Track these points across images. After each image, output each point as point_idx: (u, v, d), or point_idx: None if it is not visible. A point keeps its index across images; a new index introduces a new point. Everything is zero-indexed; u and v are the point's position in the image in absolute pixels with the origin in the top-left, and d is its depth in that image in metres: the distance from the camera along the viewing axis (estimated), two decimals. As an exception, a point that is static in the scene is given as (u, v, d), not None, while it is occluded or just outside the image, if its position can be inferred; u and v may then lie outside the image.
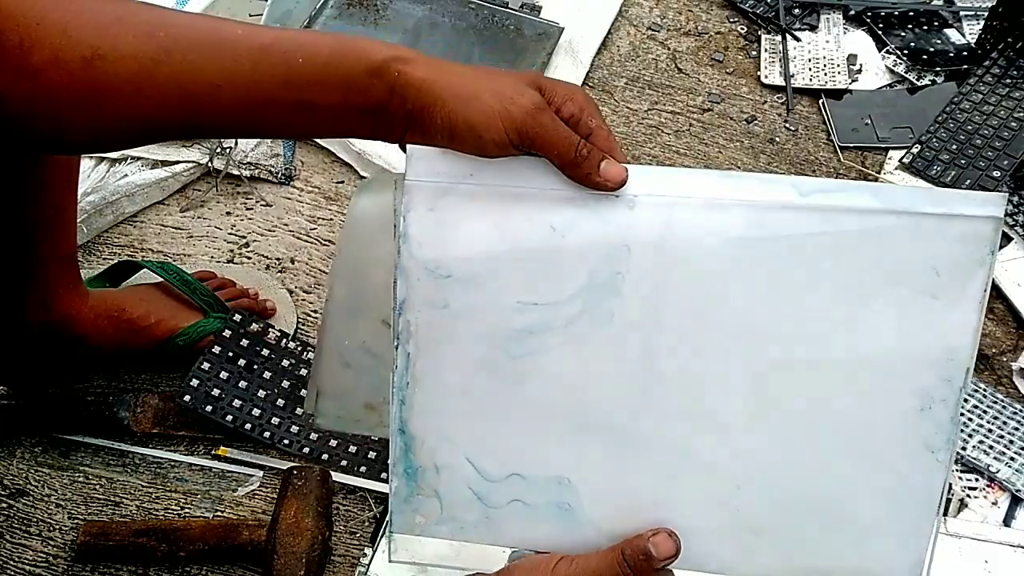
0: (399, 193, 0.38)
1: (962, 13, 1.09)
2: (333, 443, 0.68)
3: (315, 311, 0.78)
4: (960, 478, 0.70)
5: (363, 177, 0.88)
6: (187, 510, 0.65)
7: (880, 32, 1.05)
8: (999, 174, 0.89)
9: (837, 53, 1.04)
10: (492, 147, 0.36)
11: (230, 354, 0.70)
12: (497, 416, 0.39)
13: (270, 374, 0.70)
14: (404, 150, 0.38)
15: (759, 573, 0.39)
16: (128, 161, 0.82)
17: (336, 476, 0.66)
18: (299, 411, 0.69)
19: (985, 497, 0.69)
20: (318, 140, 0.88)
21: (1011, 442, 0.72)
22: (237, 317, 0.71)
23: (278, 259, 0.81)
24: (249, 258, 0.81)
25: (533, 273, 0.38)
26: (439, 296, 0.38)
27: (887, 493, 0.37)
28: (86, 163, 0.81)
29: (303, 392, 0.70)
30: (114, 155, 0.82)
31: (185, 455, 0.68)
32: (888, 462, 0.37)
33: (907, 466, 0.37)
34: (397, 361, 0.38)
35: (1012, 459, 0.70)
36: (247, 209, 0.85)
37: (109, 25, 0.33)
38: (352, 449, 0.68)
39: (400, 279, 0.38)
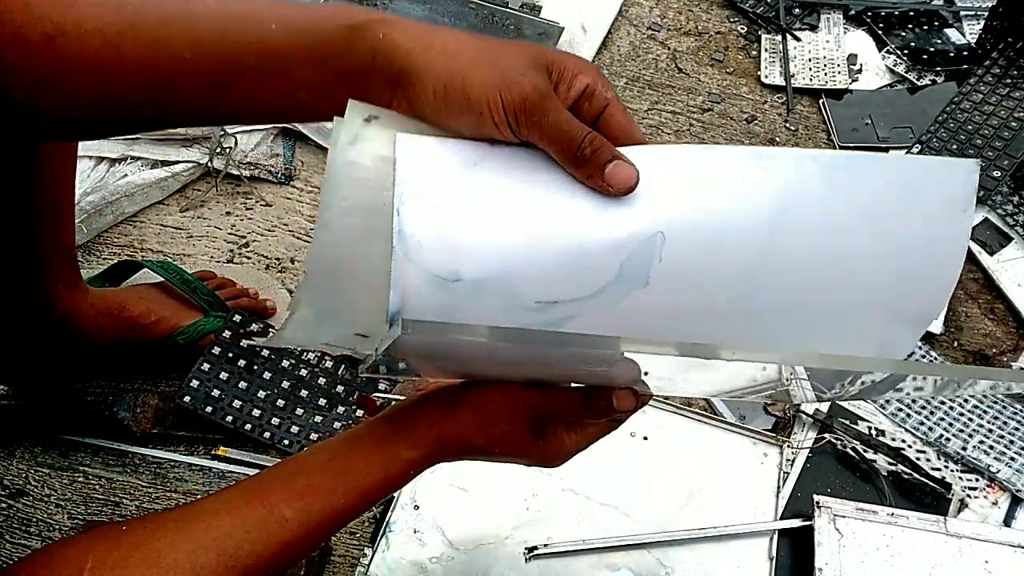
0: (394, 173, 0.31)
1: (962, 13, 1.08)
2: (333, 443, 0.68)
3: (315, 311, 0.78)
4: (960, 478, 0.69)
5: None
6: (187, 510, 0.65)
7: (880, 32, 1.05)
8: (999, 174, 0.89)
9: (837, 53, 1.04)
10: (491, 126, 0.32)
11: (230, 355, 0.69)
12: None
13: (270, 375, 0.70)
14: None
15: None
16: (128, 161, 0.82)
17: (336, 476, 0.66)
18: (299, 411, 0.69)
19: (985, 497, 0.68)
20: (315, 138, 0.88)
21: (1011, 442, 0.72)
22: (237, 318, 0.71)
23: (278, 259, 0.81)
24: (249, 258, 0.81)
25: (556, 271, 0.33)
26: (443, 304, 0.32)
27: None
28: (86, 163, 0.81)
29: (303, 392, 0.70)
30: (113, 155, 0.82)
31: (185, 455, 0.68)
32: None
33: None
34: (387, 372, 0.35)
35: (1012, 459, 0.70)
36: (247, 209, 0.85)
37: (73, 0, 0.32)
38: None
39: (395, 288, 0.31)
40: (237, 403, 0.68)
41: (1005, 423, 0.73)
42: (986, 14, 1.01)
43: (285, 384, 0.70)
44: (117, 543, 0.36)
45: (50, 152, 0.55)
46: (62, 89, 0.32)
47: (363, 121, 0.33)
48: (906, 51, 1.02)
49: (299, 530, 0.37)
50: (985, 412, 0.73)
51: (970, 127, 0.93)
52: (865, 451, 0.70)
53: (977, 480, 0.69)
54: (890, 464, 0.70)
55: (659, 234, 0.33)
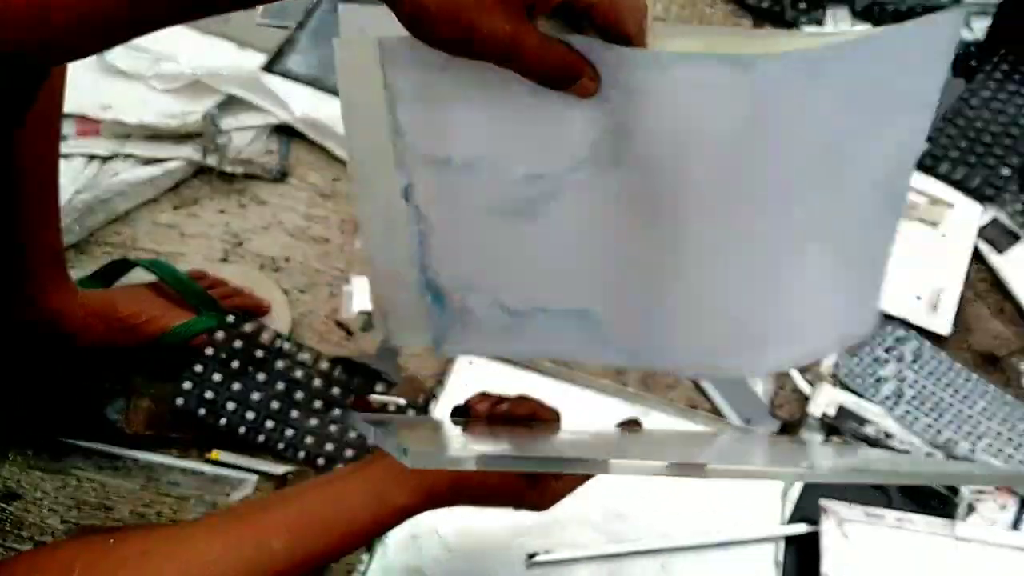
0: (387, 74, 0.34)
1: (970, 9, 1.07)
2: (329, 447, 0.67)
3: (310, 311, 0.77)
4: (969, 482, 0.69)
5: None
6: (180, 514, 0.64)
7: (886, 27, 1.04)
8: (1008, 172, 0.88)
9: (843, 48, 1.02)
10: (453, 54, 0.32)
11: (223, 356, 0.68)
12: (516, 267, 0.40)
13: (264, 376, 0.68)
14: None
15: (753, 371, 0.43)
16: (121, 159, 0.81)
17: (332, 480, 0.65)
18: (294, 414, 0.68)
19: (994, 501, 0.68)
20: (310, 134, 0.86)
21: (1020, 445, 0.71)
22: (230, 318, 0.70)
23: (272, 258, 0.80)
24: (243, 257, 0.80)
25: (536, 148, 0.36)
26: (442, 181, 0.37)
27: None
28: (77, 161, 0.79)
29: (298, 394, 0.68)
30: (105, 152, 0.81)
31: (178, 458, 0.67)
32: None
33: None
34: (411, 238, 0.39)
35: (1021, 462, 0.69)
36: (241, 207, 0.83)
37: None
38: (349, 453, 0.67)
39: (399, 169, 0.37)
40: (231, 405, 0.67)
41: (1014, 426, 0.72)
42: (994, 10, 1.00)
43: (280, 386, 0.68)
44: (105, 555, 0.36)
45: (30, 147, 0.54)
46: (47, 27, 0.30)
47: (357, 27, 0.37)
48: (913, 46, 1.01)
49: (287, 563, 0.38)
50: (994, 415, 0.72)
51: (978, 124, 0.91)
52: (872, 455, 0.69)
53: (986, 484, 0.68)
54: (898, 468, 0.69)
55: (625, 126, 0.35)
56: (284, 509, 0.39)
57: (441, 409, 0.69)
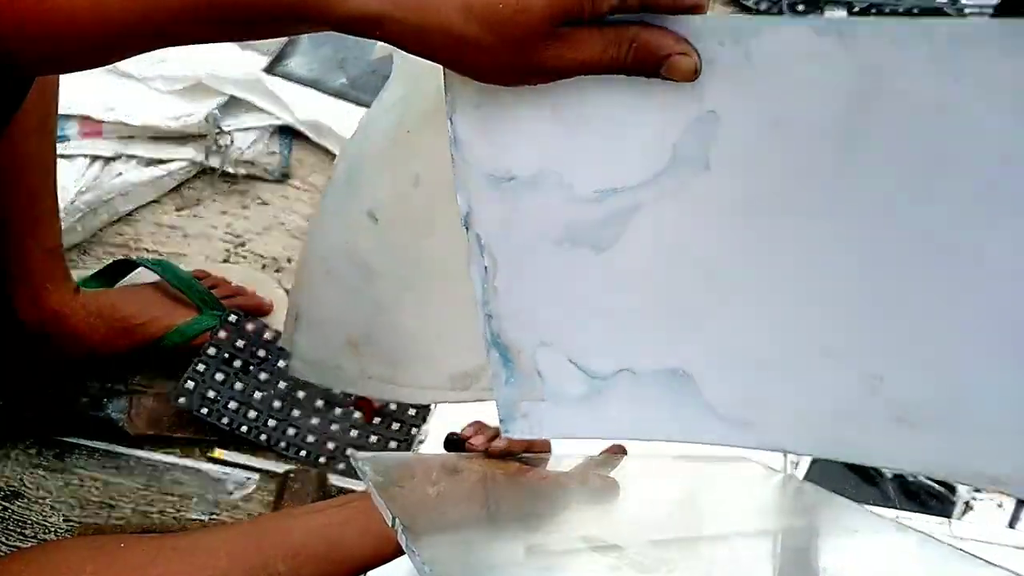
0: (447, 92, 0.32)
1: (967, 11, 1.08)
2: (330, 445, 0.67)
3: (312, 311, 0.77)
4: (965, 480, 0.69)
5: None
6: (182, 513, 0.65)
7: (883, 29, 1.05)
8: (1004, 172, 0.89)
9: (840, 50, 1.03)
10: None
11: (225, 355, 0.69)
12: (594, 312, 0.36)
13: (266, 375, 0.69)
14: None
15: (909, 466, 0.36)
16: (123, 159, 0.81)
17: (333, 479, 0.66)
18: (296, 413, 0.68)
19: (991, 499, 0.68)
20: (312, 136, 0.87)
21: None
22: (233, 318, 0.70)
23: (275, 258, 0.81)
24: (245, 257, 0.81)
25: (607, 158, 0.33)
26: (506, 202, 0.34)
27: None
28: (80, 162, 0.80)
29: (300, 394, 0.69)
30: (108, 153, 0.81)
31: (180, 457, 0.67)
32: None
33: None
34: (475, 275, 0.35)
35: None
36: (243, 208, 0.84)
37: None
38: (350, 452, 0.67)
39: (460, 191, 0.34)
40: (233, 404, 0.67)
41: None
42: (990, 12, 1.01)
43: (282, 385, 0.69)
44: (113, 559, 0.37)
45: (24, 145, 0.54)
46: (49, 46, 0.30)
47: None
48: (909, 48, 1.02)
49: None
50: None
51: (974, 125, 0.92)
52: (869, 453, 0.69)
53: (982, 482, 0.69)
54: (895, 466, 0.69)
55: (710, 113, 0.31)
56: (288, 533, 0.41)
57: (439, 413, 0.69)
